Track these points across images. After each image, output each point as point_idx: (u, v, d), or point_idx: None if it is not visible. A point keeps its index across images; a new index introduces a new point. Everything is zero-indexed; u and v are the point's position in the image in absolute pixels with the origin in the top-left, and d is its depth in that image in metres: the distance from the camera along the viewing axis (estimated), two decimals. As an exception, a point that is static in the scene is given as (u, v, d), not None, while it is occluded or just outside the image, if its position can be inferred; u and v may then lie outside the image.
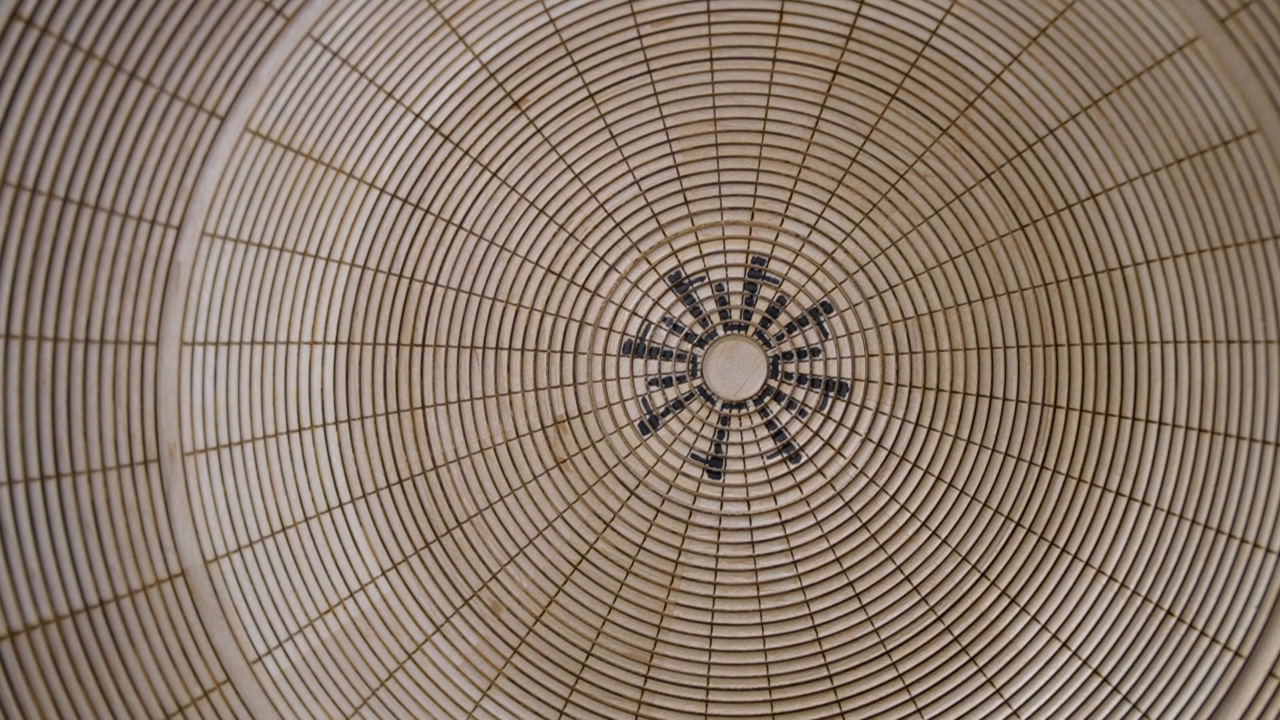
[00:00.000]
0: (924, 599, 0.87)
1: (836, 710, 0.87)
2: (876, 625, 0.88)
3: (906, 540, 0.88)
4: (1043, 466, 0.86)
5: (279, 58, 0.79)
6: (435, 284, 0.88)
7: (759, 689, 0.88)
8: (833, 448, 0.90)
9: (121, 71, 0.70)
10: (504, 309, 0.90)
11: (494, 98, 0.87)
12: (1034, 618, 0.85)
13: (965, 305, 0.88)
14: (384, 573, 0.86)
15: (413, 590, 0.87)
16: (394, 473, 0.87)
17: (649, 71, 0.88)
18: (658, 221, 0.91)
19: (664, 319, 0.92)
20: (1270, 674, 0.77)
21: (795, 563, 0.90)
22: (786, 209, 0.91)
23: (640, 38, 0.87)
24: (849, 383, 0.90)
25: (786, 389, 0.91)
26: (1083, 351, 0.85)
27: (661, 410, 0.92)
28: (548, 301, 0.91)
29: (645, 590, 0.90)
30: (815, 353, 0.91)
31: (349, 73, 0.82)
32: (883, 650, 0.87)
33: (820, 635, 0.88)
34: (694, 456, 0.91)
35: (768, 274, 0.91)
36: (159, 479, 0.76)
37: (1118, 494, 0.83)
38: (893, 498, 0.89)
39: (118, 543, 0.73)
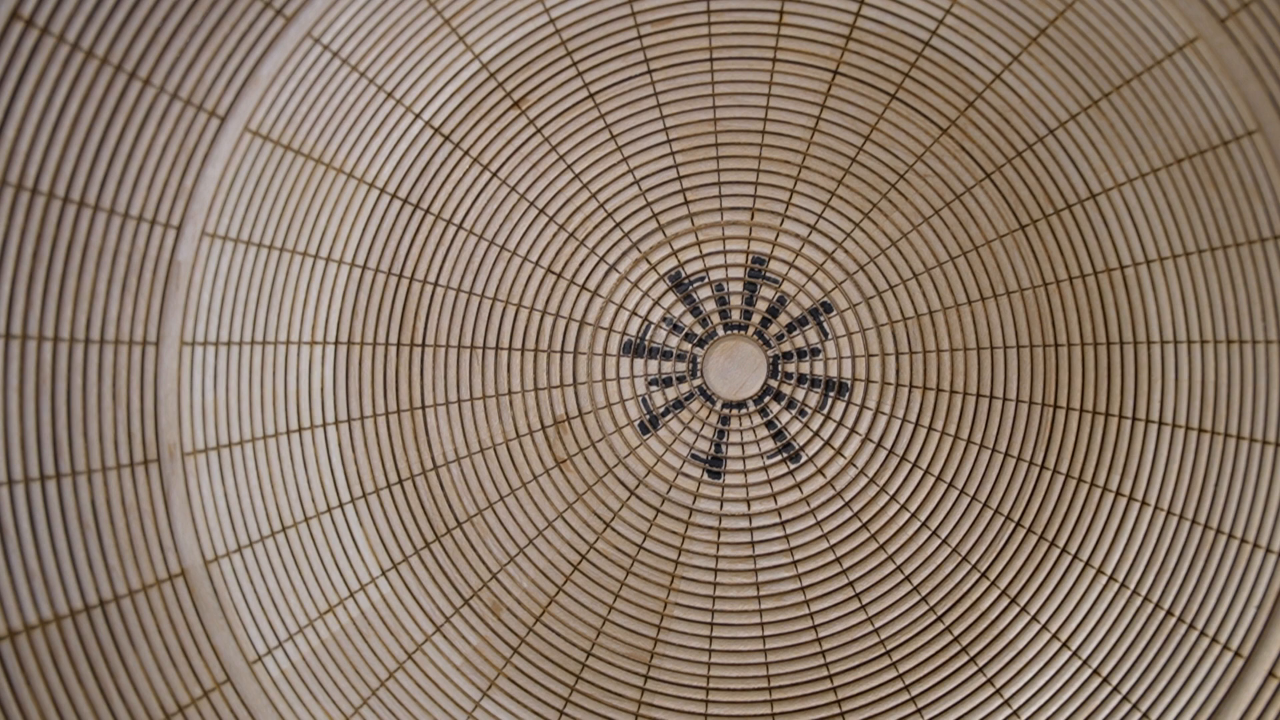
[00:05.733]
0: (924, 599, 0.87)
1: (836, 710, 0.87)
2: (876, 625, 0.88)
3: (906, 540, 0.89)
4: (1043, 466, 0.86)
5: (279, 58, 0.79)
6: (435, 284, 0.88)
7: (759, 689, 0.88)
8: (833, 448, 0.90)
9: (121, 71, 0.70)
10: (504, 309, 0.90)
11: (494, 98, 0.87)
12: (1034, 618, 0.85)
13: (965, 305, 0.88)
14: (384, 573, 0.86)
15: (413, 590, 0.87)
16: (394, 473, 0.87)
17: (649, 71, 0.88)
18: (658, 221, 0.91)
19: (664, 319, 0.92)
20: (1270, 674, 0.77)
21: (795, 563, 0.90)
22: (786, 209, 0.91)
23: (640, 38, 0.87)
24: (849, 383, 0.90)
25: (786, 389, 0.91)
26: (1083, 351, 0.85)
27: (661, 410, 0.92)
28: (548, 301, 0.91)
29: (645, 590, 0.90)
30: (815, 353, 0.91)
31: (349, 73, 0.82)
32: (883, 650, 0.87)
33: (820, 635, 0.88)
34: (694, 456, 0.91)
35: (768, 274, 0.91)
36: (159, 479, 0.76)
37: (1118, 494, 0.83)
38: (893, 498, 0.89)
39: (118, 543, 0.73)
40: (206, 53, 0.75)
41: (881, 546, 0.89)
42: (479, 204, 0.89)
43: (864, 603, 0.88)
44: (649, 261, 0.92)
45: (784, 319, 0.91)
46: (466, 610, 0.88)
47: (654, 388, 0.92)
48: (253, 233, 0.80)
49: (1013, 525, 0.86)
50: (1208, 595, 0.79)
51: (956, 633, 0.86)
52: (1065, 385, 0.86)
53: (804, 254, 0.91)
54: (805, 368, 0.91)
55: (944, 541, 0.88)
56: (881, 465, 0.90)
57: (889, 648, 0.87)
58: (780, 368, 0.91)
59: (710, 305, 0.92)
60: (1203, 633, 0.79)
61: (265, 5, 0.76)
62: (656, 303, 0.92)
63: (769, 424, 0.91)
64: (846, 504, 0.90)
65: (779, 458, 0.91)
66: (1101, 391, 0.84)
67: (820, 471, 0.90)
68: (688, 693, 0.88)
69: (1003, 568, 0.86)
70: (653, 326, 0.92)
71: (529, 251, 0.90)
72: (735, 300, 0.92)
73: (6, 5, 0.64)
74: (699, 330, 0.92)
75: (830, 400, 0.91)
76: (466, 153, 0.88)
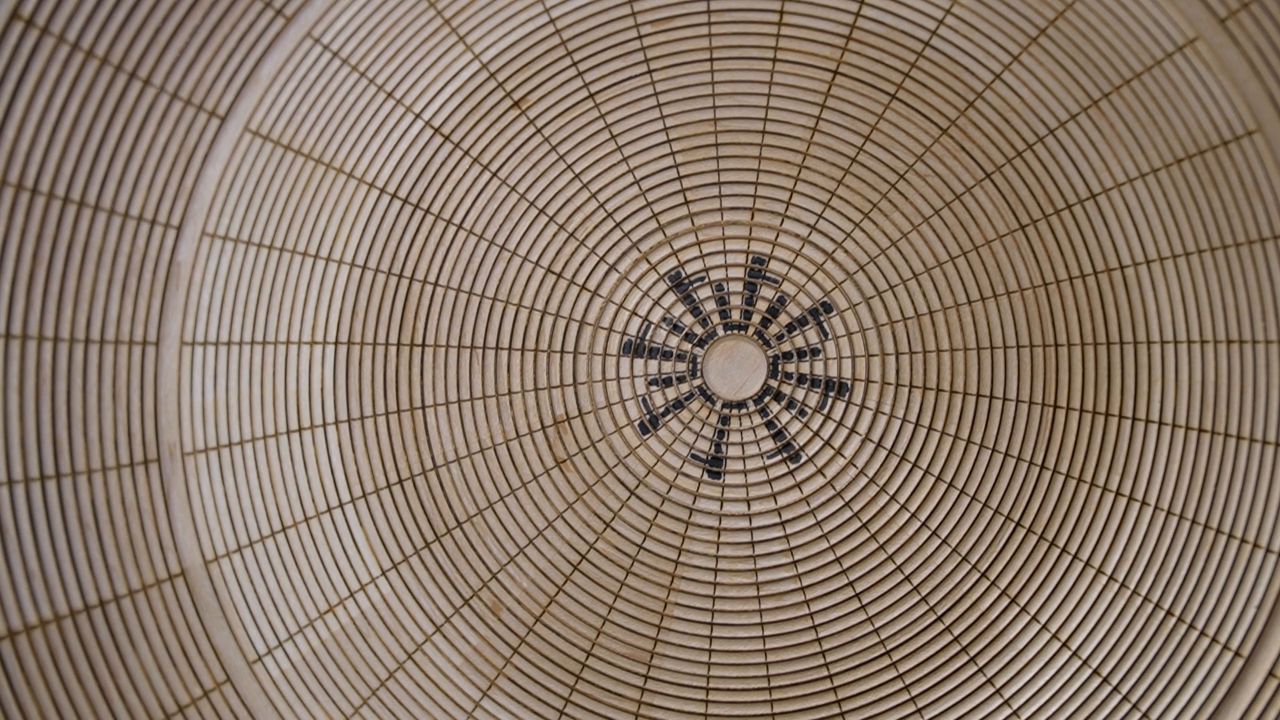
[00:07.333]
0: (924, 599, 0.87)
1: (836, 710, 0.87)
2: (876, 625, 0.88)
3: (906, 540, 0.89)
4: (1043, 466, 0.86)
5: (279, 58, 0.79)
6: (435, 284, 0.88)
7: (759, 689, 0.88)
8: (833, 448, 0.90)
9: (121, 71, 0.70)
10: (504, 309, 0.90)
11: (494, 98, 0.87)
12: (1034, 618, 0.85)
13: (965, 305, 0.88)
14: (384, 573, 0.86)
15: (413, 590, 0.87)
16: (394, 473, 0.87)
17: (649, 71, 0.88)
18: (658, 221, 0.91)
19: (664, 319, 0.92)
20: (1270, 674, 0.77)
21: (795, 563, 0.90)
22: (786, 209, 0.91)
23: (640, 38, 0.87)
24: (849, 383, 0.90)
25: (786, 389, 0.91)
26: (1083, 351, 0.85)
27: (661, 410, 0.92)
28: (548, 301, 0.91)
29: (645, 590, 0.90)
30: (815, 353, 0.91)
31: (349, 73, 0.82)
32: (883, 650, 0.87)
33: (820, 635, 0.88)
34: (694, 456, 0.91)
35: (768, 274, 0.91)
36: (159, 479, 0.76)
37: (1118, 494, 0.83)
38: (893, 498, 0.89)
39: (118, 543, 0.73)
40: (206, 53, 0.75)
41: (881, 546, 0.89)
42: (479, 204, 0.89)
43: (864, 603, 0.88)
44: (649, 261, 0.92)
45: (784, 319, 0.91)
46: (466, 610, 0.88)
47: (654, 388, 0.92)
48: (253, 233, 0.80)
49: (1013, 525, 0.86)
50: (1208, 595, 0.79)
51: (956, 633, 0.86)
52: (1065, 385, 0.86)
53: (804, 254, 0.91)
54: (805, 368, 0.91)
55: (944, 541, 0.88)
56: (881, 465, 0.90)
57: (889, 648, 0.87)
58: (780, 368, 0.91)
59: (710, 305, 0.92)
60: (1203, 633, 0.79)
61: (265, 5, 0.76)
62: (656, 303, 0.92)
63: (769, 424, 0.91)
64: (846, 504, 0.90)
65: (779, 458, 0.91)
66: (1101, 391, 0.84)
67: (820, 471, 0.90)
68: (688, 693, 0.88)
69: (1003, 568, 0.86)
70: (653, 326, 0.92)
71: (529, 251, 0.90)
72: (735, 300, 0.92)
73: (6, 5, 0.64)
74: (699, 330, 0.92)
75: (830, 400, 0.91)
76: (466, 153, 0.88)
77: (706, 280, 0.92)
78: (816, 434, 0.90)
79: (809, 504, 0.90)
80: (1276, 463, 0.78)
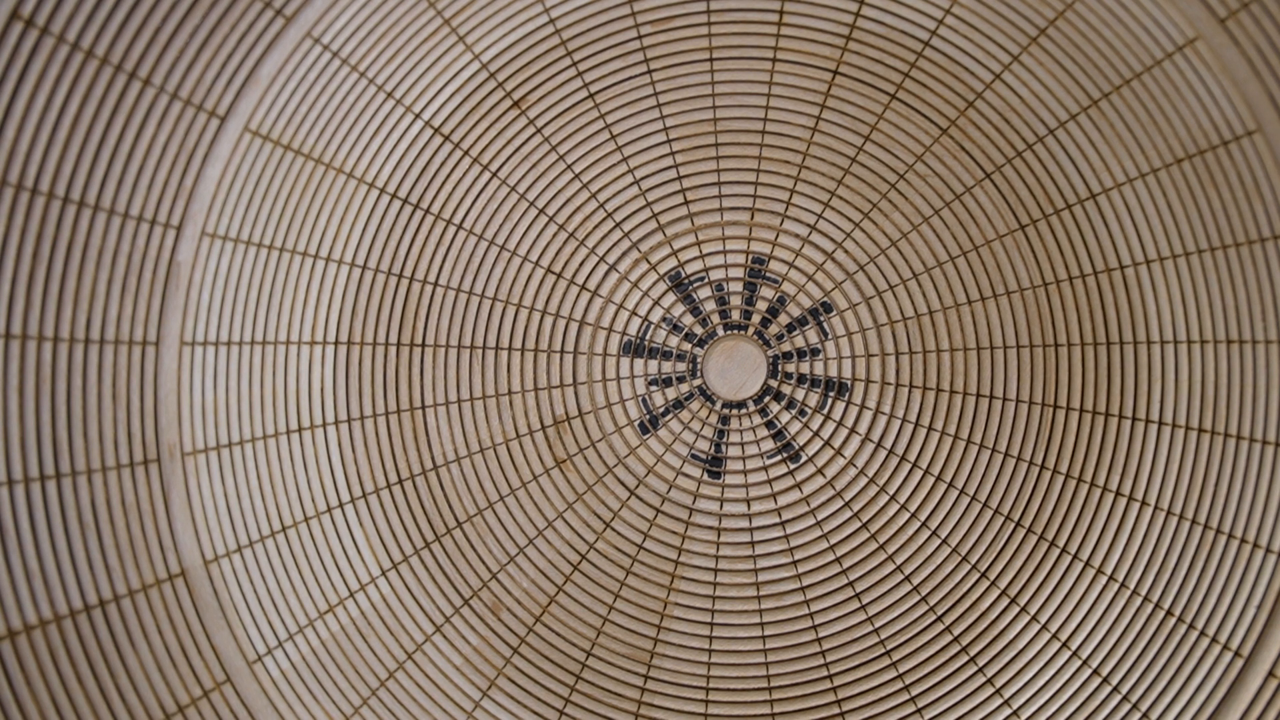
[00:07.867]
0: (924, 599, 0.87)
1: (836, 710, 0.87)
2: (876, 625, 0.88)
3: (906, 540, 0.88)
4: (1043, 466, 0.86)
5: (279, 58, 0.79)
6: (435, 284, 0.88)
7: (759, 689, 0.88)
8: (833, 448, 0.90)
9: (121, 71, 0.70)
10: (504, 309, 0.90)
11: (494, 98, 0.87)
12: (1034, 618, 0.85)
13: (965, 305, 0.88)
14: (384, 573, 0.86)
15: (413, 590, 0.87)
16: (394, 473, 0.87)
17: (649, 71, 0.88)
18: (658, 221, 0.91)
19: (664, 319, 0.92)
20: (1270, 674, 0.77)
21: (795, 563, 0.90)
22: (786, 209, 0.91)
23: (640, 38, 0.87)
24: (849, 383, 0.90)
25: (786, 389, 0.91)
26: (1083, 351, 0.85)
27: (661, 410, 0.92)
28: (548, 301, 0.91)
29: (645, 590, 0.90)
30: (815, 353, 0.91)
31: (349, 73, 0.82)
32: (883, 650, 0.87)
33: (820, 635, 0.88)
34: (694, 456, 0.91)
35: (768, 274, 0.91)
36: (159, 479, 0.76)
37: (1118, 494, 0.83)
38: (893, 498, 0.89)
39: (118, 543, 0.73)
40: (206, 53, 0.75)
41: (881, 546, 0.89)
42: (479, 204, 0.89)
43: (864, 603, 0.88)
44: (649, 261, 0.92)
45: (784, 319, 0.91)
46: (466, 610, 0.88)
47: (654, 388, 0.92)
48: (253, 233, 0.80)
49: (1013, 525, 0.86)
50: (1208, 595, 0.79)
51: (956, 633, 0.86)
52: (1065, 385, 0.86)
53: (804, 254, 0.91)
54: (805, 368, 0.91)
55: (944, 541, 0.88)
56: (881, 465, 0.90)
57: (889, 648, 0.87)
58: (780, 368, 0.91)
59: (710, 305, 0.92)
60: (1203, 633, 0.79)
61: (265, 5, 0.76)
62: (656, 303, 0.92)
63: (769, 424, 0.91)
64: (846, 504, 0.90)
65: (779, 458, 0.91)
66: (1101, 391, 0.84)
67: (820, 471, 0.90)
68: (688, 693, 0.88)
69: (1003, 568, 0.86)
70: (653, 326, 0.92)
71: (529, 251, 0.90)
72: (735, 300, 0.92)
73: (6, 5, 0.64)
74: (699, 330, 0.92)
75: (830, 400, 0.91)
76: (466, 153, 0.88)
77: (706, 280, 0.92)
78: (816, 434, 0.90)
79: (809, 504, 0.90)
80: (1276, 463, 0.78)
